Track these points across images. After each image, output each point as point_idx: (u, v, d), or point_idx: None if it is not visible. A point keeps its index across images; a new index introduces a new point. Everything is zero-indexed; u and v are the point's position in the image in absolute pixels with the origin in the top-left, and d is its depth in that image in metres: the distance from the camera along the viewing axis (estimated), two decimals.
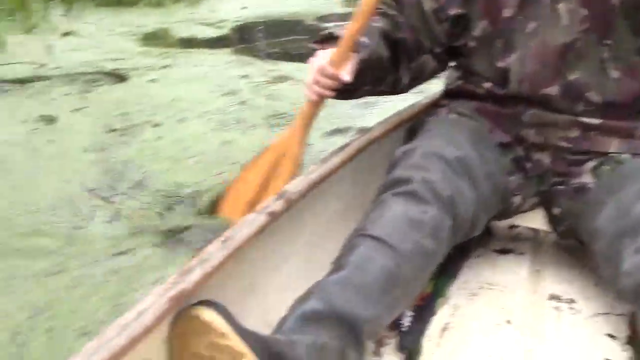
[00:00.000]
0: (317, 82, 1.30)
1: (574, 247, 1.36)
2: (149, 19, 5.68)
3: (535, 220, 1.40)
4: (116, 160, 2.40)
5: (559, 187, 1.31)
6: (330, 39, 1.35)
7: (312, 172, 1.24)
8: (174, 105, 3.07)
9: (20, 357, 1.35)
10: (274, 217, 1.10)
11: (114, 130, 2.74)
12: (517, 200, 1.34)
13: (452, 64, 1.46)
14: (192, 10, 6.27)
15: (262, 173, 1.44)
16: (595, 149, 1.28)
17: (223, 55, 4.28)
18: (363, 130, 1.37)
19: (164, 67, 3.86)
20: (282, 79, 3.57)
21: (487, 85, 1.35)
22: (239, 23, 5.70)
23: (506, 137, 1.32)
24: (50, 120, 2.83)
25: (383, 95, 1.52)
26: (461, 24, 1.35)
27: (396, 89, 1.46)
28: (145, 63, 3.96)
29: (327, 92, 1.31)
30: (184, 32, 5.21)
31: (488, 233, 1.38)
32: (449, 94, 1.46)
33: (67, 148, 2.53)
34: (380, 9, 1.38)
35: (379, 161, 1.40)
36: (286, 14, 6.26)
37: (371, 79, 1.39)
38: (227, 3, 6.71)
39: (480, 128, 1.32)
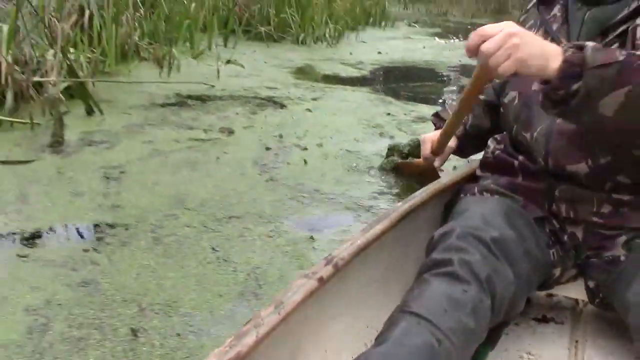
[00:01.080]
0: (423, 159, 1.62)
1: (614, 318, 1.34)
2: (295, 55, 6.27)
3: (573, 290, 1.39)
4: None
5: (593, 259, 1.32)
6: (438, 116, 1.66)
7: (357, 239, 1.28)
8: (325, 133, 3.49)
9: (260, 278, 1.88)
10: (322, 282, 1.14)
11: (269, 148, 3.19)
12: (556, 272, 1.35)
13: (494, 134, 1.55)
14: (332, 50, 6.84)
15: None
16: (627, 224, 1.28)
17: (365, 93, 4.71)
18: (405, 200, 1.48)
19: (315, 99, 4.33)
20: (422, 119, 3.93)
21: (520, 157, 1.38)
22: (376, 66, 6.17)
23: (540, 211, 1.34)
24: (230, 132, 3.35)
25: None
26: (498, 90, 1.50)
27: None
28: (297, 93, 4.45)
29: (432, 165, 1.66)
30: (328, 69, 5.72)
31: (527, 301, 1.34)
32: (485, 164, 1.50)
33: (240, 158, 2.99)
34: None
35: (419, 226, 1.48)
36: (419, 62, 6.69)
37: (473, 145, 1.63)
38: (362, 47, 7.25)
39: (514, 205, 1.33)
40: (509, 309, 1.21)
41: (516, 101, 1.38)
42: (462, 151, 1.65)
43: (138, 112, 3.60)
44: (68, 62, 3.54)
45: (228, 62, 5.18)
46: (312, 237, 2.17)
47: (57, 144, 2.93)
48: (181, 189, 2.52)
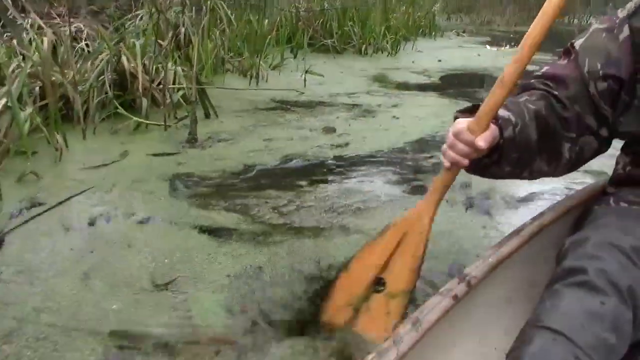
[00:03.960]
0: (452, 147, 1.26)
1: None
2: (363, 64, 6.67)
3: None
4: None
5: None
6: (474, 111, 1.28)
7: (489, 256, 1.27)
8: (409, 140, 3.86)
9: None
10: (456, 300, 1.14)
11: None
12: None
13: (621, 148, 1.43)
14: (394, 60, 7.23)
15: (383, 254, 1.45)
16: None
17: (439, 98, 5.07)
18: (534, 217, 1.43)
19: (395, 105, 4.70)
20: None
21: None
22: (441, 73, 6.53)
23: None
24: (333, 131, 3.75)
25: (522, 179, 1.39)
26: (632, 108, 1.28)
27: (540, 174, 1.37)
28: (377, 100, 4.82)
29: (462, 160, 1.25)
30: (398, 77, 6.10)
31: None
32: (617, 180, 1.40)
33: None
34: (543, 88, 1.33)
35: (547, 246, 1.42)
36: (478, 68, 7.03)
37: (513, 161, 1.30)
38: (421, 56, 7.61)
39: None
40: None
41: None
42: (496, 161, 1.28)
43: (248, 115, 4.04)
44: (183, 73, 4.01)
45: (306, 72, 5.59)
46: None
47: (193, 140, 3.37)
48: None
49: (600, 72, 1.27)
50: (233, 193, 2.65)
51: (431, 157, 3.35)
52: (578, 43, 1.34)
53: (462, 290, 1.17)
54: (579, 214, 1.45)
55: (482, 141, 1.21)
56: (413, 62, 7.07)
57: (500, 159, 1.28)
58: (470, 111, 1.30)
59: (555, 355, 0.98)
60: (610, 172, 1.48)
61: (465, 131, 1.22)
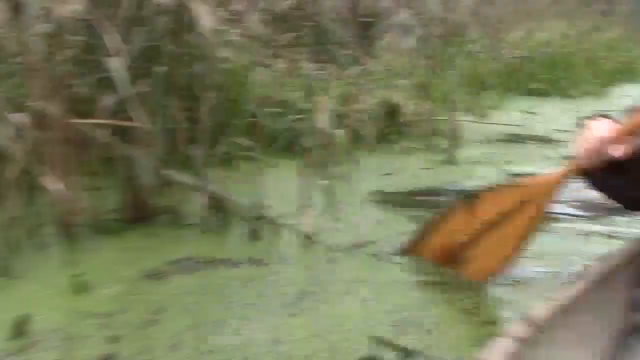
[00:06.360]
0: (591, 150, 1.32)
1: None
2: (572, 106, 7.18)
3: None
4: None
5: None
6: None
7: (556, 299, 1.26)
8: None
9: None
10: (521, 343, 1.10)
11: None
12: None
13: None
14: (601, 102, 7.64)
15: (491, 215, 1.54)
16: None
17: None
18: (601, 258, 1.42)
19: None
20: None
21: None
22: None
23: None
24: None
25: (623, 206, 1.51)
26: None
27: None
28: None
29: (593, 162, 1.31)
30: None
31: None
32: None
33: None
34: None
35: (616, 289, 1.40)
36: None
37: (633, 177, 1.34)
38: (630, 100, 7.87)
39: None
40: None
41: None
42: (618, 170, 1.33)
43: (488, 144, 5.01)
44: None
45: (526, 111, 6.28)
46: None
47: (452, 161, 4.32)
48: None
49: None
50: None
51: None
52: None
53: (527, 332, 1.15)
54: None
55: (620, 151, 1.30)
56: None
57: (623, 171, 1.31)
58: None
59: None
60: None
61: (608, 140, 1.31)
